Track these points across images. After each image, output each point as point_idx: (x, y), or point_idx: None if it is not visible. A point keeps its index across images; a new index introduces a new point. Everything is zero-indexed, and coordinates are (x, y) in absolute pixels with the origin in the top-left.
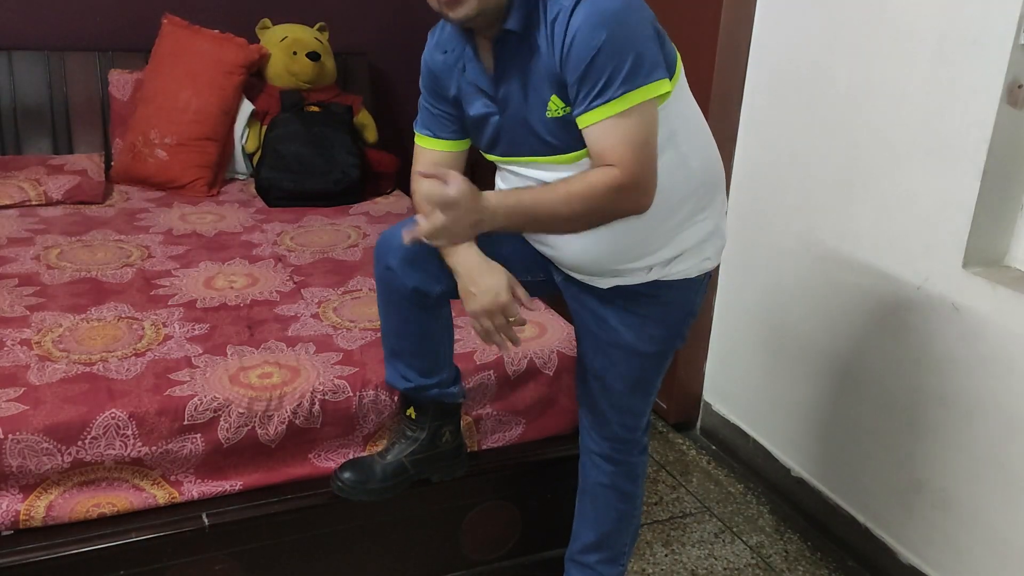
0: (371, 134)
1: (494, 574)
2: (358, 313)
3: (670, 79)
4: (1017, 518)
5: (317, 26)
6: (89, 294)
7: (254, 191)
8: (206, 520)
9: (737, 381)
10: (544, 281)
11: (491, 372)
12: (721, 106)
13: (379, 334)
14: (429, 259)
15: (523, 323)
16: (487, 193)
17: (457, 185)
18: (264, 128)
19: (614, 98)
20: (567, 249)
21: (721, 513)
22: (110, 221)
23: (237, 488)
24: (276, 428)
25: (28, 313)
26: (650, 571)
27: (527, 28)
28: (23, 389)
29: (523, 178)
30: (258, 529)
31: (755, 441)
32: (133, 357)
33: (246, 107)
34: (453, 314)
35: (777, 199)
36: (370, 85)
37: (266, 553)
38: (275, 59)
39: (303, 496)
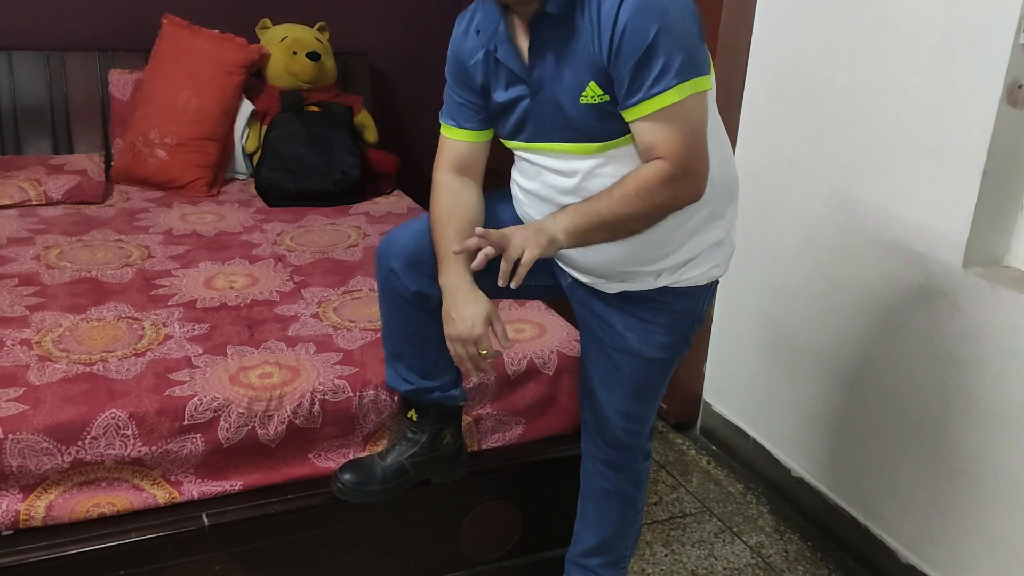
0: (371, 134)
1: (494, 574)
2: (358, 313)
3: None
4: (1016, 518)
5: (317, 26)
6: (89, 294)
7: (254, 191)
8: (206, 520)
9: (737, 381)
10: (550, 286)
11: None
12: (721, 106)
13: (379, 334)
14: (431, 263)
15: (497, 355)
16: (546, 218)
17: (497, 234)
18: (264, 128)
19: (666, 90)
20: (580, 251)
21: (721, 513)
22: (110, 221)
23: (237, 488)
24: (276, 428)
25: (28, 313)
26: (650, 571)
27: (567, 10)
28: (23, 389)
29: (540, 169)
30: (258, 529)
31: (755, 441)
32: (133, 357)
33: (246, 107)
34: None
35: (777, 199)
36: (370, 85)
37: (266, 553)
38: (275, 59)
39: (303, 496)
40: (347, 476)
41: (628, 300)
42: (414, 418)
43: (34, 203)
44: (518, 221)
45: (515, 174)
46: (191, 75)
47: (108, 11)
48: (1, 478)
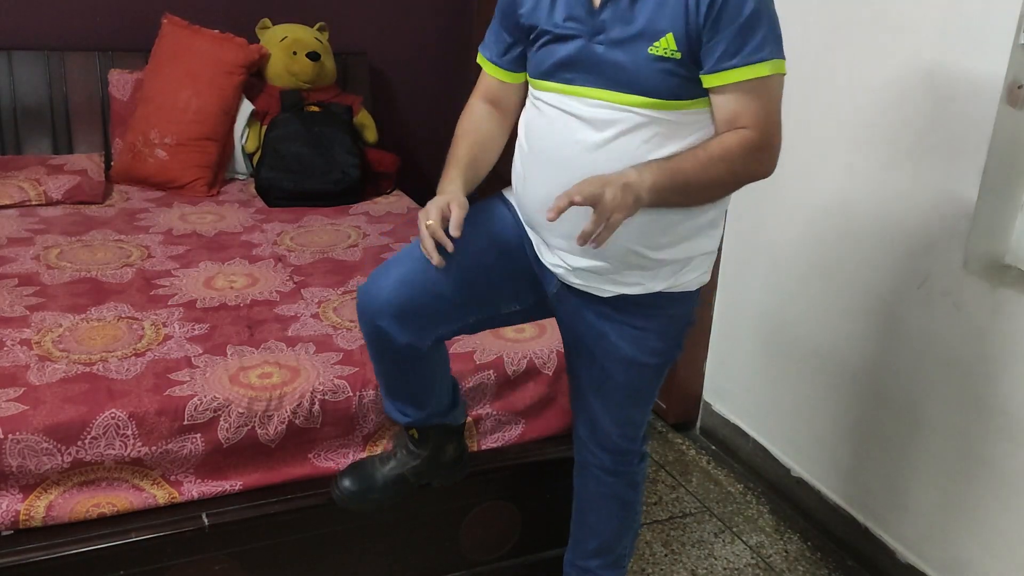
0: (371, 134)
1: (494, 574)
2: None
3: None
4: (1016, 518)
5: (317, 26)
6: (89, 294)
7: (254, 191)
8: (206, 520)
9: (737, 381)
10: (534, 305)
11: (491, 372)
12: None
13: None
14: (420, 313)
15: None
16: (628, 172)
17: (580, 188)
18: (264, 128)
19: (761, 62)
20: (581, 212)
21: (721, 513)
22: (110, 221)
23: (237, 488)
24: (276, 428)
25: (28, 313)
26: (650, 571)
27: None
28: (23, 389)
29: (568, 119)
30: (258, 529)
31: (755, 441)
32: (133, 357)
33: (246, 107)
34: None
35: (777, 199)
36: (370, 85)
37: (266, 553)
38: (275, 59)
39: (303, 496)
40: (347, 483)
41: (621, 308)
42: (415, 436)
43: (34, 203)
44: (512, 277)
45: (525, 135)
46: (191, 75)
47: (108, 11)
48: (1, 478)
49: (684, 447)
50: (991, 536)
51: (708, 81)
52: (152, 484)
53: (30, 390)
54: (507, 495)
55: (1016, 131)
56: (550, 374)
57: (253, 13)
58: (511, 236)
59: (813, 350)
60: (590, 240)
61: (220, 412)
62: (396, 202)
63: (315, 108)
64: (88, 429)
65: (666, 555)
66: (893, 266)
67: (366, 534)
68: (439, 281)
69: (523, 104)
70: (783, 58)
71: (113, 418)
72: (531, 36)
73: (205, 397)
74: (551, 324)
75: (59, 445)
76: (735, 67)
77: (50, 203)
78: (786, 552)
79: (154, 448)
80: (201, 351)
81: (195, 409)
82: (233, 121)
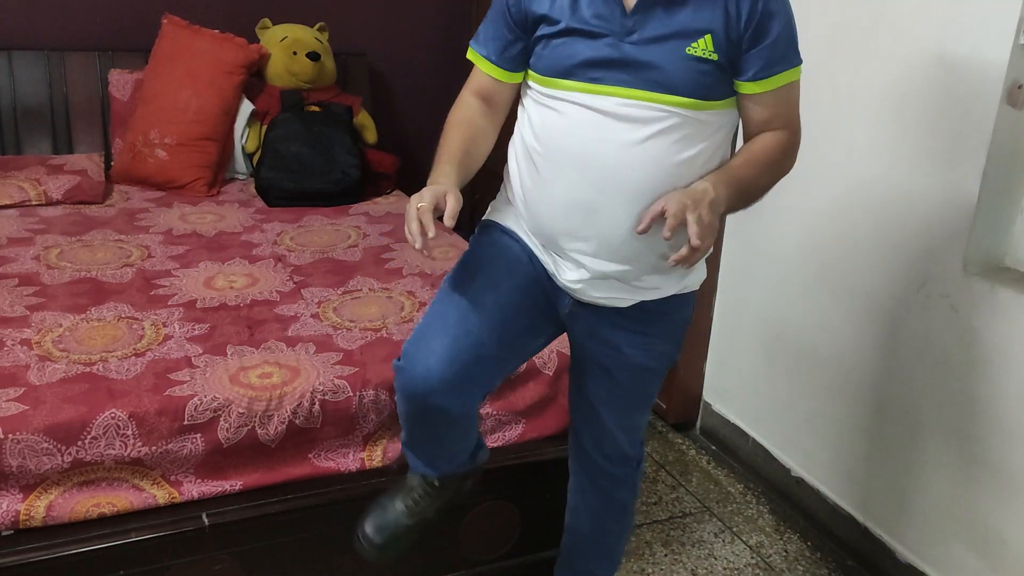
0: (371, 135)
1: (494, 574)
2: (358, 313)
3: None
4: (1015, 518)
5: (317, 26)
6: (89, 294)
7: (254, 191)
8: (206, 520)
9: (737, 381)
10: (552, 333)
11: None
12: None
13: (379, 334)
14: (473, 380)
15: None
16: (706, 189)
17: (669, 201)
18: (264, 128)
19: (794, 67)
20: (618, 230)
21: (721, 513)
22: (110, 221)
23: (237, 488)
24: (276, 428)
25: (28, 313)
26: (650, 571)
27: None
28: (23, 389)
29: (599, 117)
30: (258, 529)
31: (755, 441)
32: (133, 357)
33: (246, 107)
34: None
35: (777, 200)
36: (369, 86)
37: (266, 553)
38: (275, 59)
39: (303, 496)
40: (372, 534)
41: (634, 317)
42: (437, 484)
43: (34, 203)
44: (526, 313)
45: (536, 138)
46: (191, 75)
47: (108, 11)
48: (1, 478)
49: (684, 447)
50: (991, 536)
51: (747, 88)
52: (152, 484)
53: (30, 390)
54: (507, 495)
55: (1016, 131)
56: (550, 374)
57: (253, 13)
58: (525, 267)
59: (813, 350)
60: (684, 262)
61: (220, 412)
62: (396, 202)
63: (315, 108)
64: (88, 429)
65: (666, 555)
66: (892, 267)
67: None
68: (483, 343)
69: (513, 104)
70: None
71: (113, 418)
72: (541, 32)
73: (205, 397)
74: None
75: (59, 445)
76: (775, 74)
77: (50, 203)
78: (786, 552)
79: (154, 448)
80: (201, 351)
81: (195, 409)
82: (233, 121)
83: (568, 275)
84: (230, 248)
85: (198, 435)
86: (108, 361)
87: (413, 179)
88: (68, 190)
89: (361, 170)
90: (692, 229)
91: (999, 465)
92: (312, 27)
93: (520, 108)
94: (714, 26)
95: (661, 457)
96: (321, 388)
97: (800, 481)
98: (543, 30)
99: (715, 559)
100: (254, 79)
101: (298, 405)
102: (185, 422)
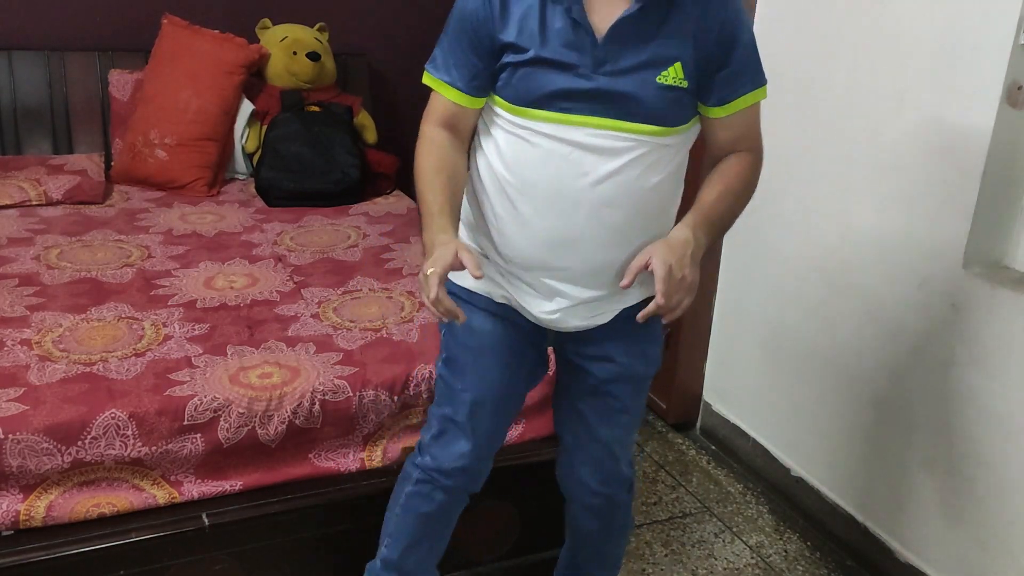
0: (371, 135)
1: (494, 574)
2: (358, 313)
3: None
4: (1014, 518)
5: (317, 26)
6: (89, 294)
7: (254, 191)
8: (206, 520)
9: (737, 381)
10: (541, 375)
11: None
12: None
13: (379, 334)
14: (495, 448)
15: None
16: (684, 243)
17: (655, 257)
18: (264, 128)
19: (758, 87)
20: (596, 262)
21: (721, 513)
22: (110, 221)
23: (237, 488)
24: (276, 428)
25: (28, 313)
26: (650, 571)
27: None
28: (23, 389)
29: (571, 149)
30: (258, 529)
31: (755, 441)
32: (133, 357)
33: (246, 107)
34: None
35: (777, 200)
36: (369, 86)
37: (266, 553)
38: (275, 59)
39: (303, 496)
40: None
41: (618, 328)
42: None
43: (34, 203)
44: (518, 362)
45: (507, 168)
46: (191, 75)
47: (108, 11)
48: (1, 478)
49: (684, 447)
50: (990, 536)
51: (714, 112)
52: (152, 484)
53: (30, 390)
54: (506, 495)
55: (1016, 132)
56: (550, 374)
57: (253, 13)
58: (504, 338)
59: (813, 350)
60: (663, 314)
61: (220, 412)
62: (396, 203)
63: (315, 108)
64: (88, 429)
65: (666, 555)
66: (892, 267)
67: (366, 534)
68: (496, 425)
69: (475, 126)
70: None
71: (113, 418)
72: (508, 60)
73: (205, 397)
74: None
75: (59, 445)
76: (740, 96)
77: (50, 203)
78: (786, 552)
79: (154, 448)
80: (201, 351)
81: (195, 409)
82: (233, 121)
83: (543, 307)
84: (230, 248)
85: (198, 435)
86: (108, 361)
87: (413, 179)
88: (68, 190)
89: (361, 170)
90: (675, 300)
91: (1000, 465)
92: (312, 27)
93: (483, 132)
94: (683, 54)
95: (661, 457)
96: (321, 388)
97: (800, 481)
98: (510, 58)
99: (715, 559)
100: (254, 79)
101: (298, 405)
102: (185, 422)
